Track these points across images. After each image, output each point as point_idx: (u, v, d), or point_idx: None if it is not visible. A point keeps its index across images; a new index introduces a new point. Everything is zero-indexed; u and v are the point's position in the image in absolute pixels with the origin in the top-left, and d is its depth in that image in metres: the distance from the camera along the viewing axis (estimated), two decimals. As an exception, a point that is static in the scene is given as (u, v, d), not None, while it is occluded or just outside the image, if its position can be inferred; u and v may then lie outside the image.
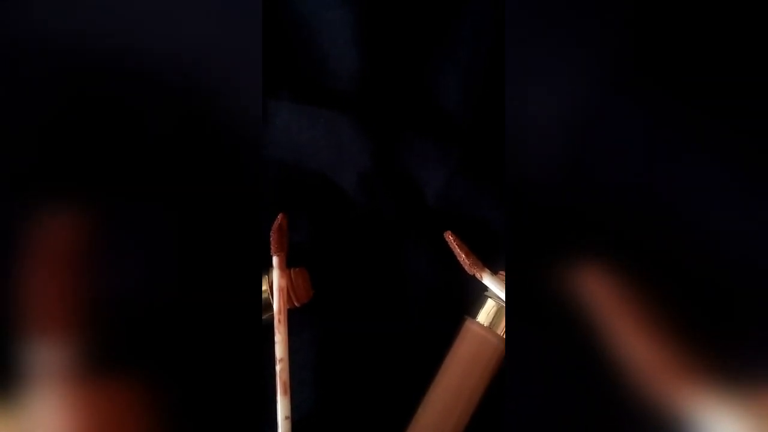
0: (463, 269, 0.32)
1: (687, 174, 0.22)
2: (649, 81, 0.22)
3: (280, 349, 0.31)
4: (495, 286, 0.32)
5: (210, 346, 0.22)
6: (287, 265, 0.32)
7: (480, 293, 0.33)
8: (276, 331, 0.31)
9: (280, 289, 0.31)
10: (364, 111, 0.35)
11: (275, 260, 0.31)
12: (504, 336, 0.32)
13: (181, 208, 0.22)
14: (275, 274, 0.31)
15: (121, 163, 0.21)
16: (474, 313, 0.32)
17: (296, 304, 0.32)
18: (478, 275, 0.32)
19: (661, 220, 0.22)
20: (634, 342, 0.22)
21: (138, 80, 0.21)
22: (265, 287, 0.32)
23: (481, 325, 0.32)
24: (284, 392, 0.30)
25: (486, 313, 0.32)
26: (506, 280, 0.31)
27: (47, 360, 0.20)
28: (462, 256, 0.32)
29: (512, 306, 0.24)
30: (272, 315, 0.31)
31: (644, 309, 0.22)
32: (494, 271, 0.32)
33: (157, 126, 0.22)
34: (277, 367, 0.30)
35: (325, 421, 0.33)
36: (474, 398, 0.32)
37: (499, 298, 0.32)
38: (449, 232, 0.33)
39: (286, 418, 0.30)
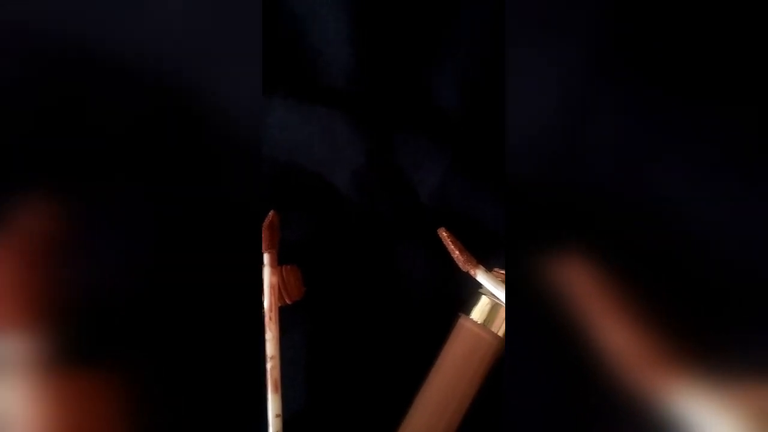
0: (458, 266, 0.32)
1: (669, 165, 0.22)
2: (634, 74, 0.22)
3: (270, 347, 0.30)
4: (489, 283, 0.31)
5: (203, 343, 0.22)
6: (279, 262, 0.32)
7: (474, 290, 0.32)
8: (267, 328, 0.31)
9: (271, 287, 0.31)
10: (358, 109, 0.35)
11: (266, 257, 0.31)
12: (498, 333, 0.31)
13: (174, 204, 0.22)
14: (266, 271, 0.31)
15: (101, 155, 0.21)
16: (468, 310, 0.32)
17: (288, 301, 0.32)
18: (471, 272, 0.31)
19: (643, 212, 0.21)
20: (615, 333, 0.21)
21: (128, 73, 0.21)
22: (256, 284, 0.31)
23: (475, 323, 0.31)
24: (275, 390, 0.30)
25: (480, 310, 0.32)
26: (506, 276, 0.30)
27: (17, 351, 0.20)
28: (456, 253, 0.32)
29: (511, 301, 0.23)
30: (263, 312, 0.31)
31: (626, 300, 0.22)
32: (488, 268, 0.32)
33: (155, 123, 0.21)
34: (268, 365, 0.30)
35: (317, 419, 0.33)
36: (468, 395, 0.31)
37: (494, 295, 0.31)
38: (443, 228, 0.32)
39: (277, 415, 0.30)
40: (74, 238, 0.20)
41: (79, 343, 0.20)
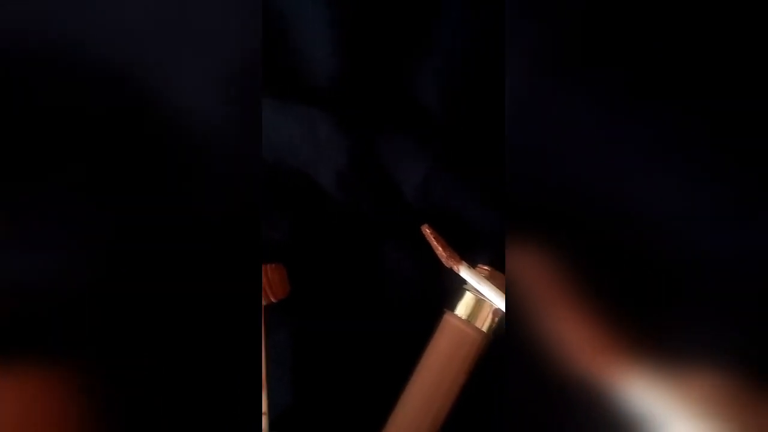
0: (442, 263, 0.32)
1: (623, 161, 0.22)
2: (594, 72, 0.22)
3: (256, 345, 0.31)
4: (472, 278, 0.32)
5: (201, 344, 0.21)
6: (264, 261, 0.32)
7: (459, 287, 0.33)
8: (252, 327, 0.31)
9: (256, 285, 0.31)
10: (341, 108, 0.35)
11: (251, 256, 0.31)
12: (483, 329, 0.32)
13: (162, 205, 0.22)
14: (251, 270, 0.31)
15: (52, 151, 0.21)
16: (453, 306, 0.32)
17: (273, 300, 0.32)
18: (455, 268, 0.32)
19: (598, 204, 0.22)
20: (569, 322, 0.22)
21: (105, 71, 0.21)
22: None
23: (460, 318, 0.32)
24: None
25: (464, 306, 0.32)
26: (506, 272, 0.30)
27: None
28: (439, 249, 0.32)
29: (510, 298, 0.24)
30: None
31: (579, 291, 0.22)
32: (472, 264, 0.32)
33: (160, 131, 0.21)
34: (254, 363, 0.30)
35: (303, 416, 0.33)
36: (453, 391, 0.31)
37: (478, 291, 0.32)
38: (426, 225, 0.32)
39: (263, 413, 0.30)
40: (8, 232, 0.20)
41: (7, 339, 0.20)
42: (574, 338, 0.22)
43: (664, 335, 0.21)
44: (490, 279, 0.32)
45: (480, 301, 0.32)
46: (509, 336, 0.23)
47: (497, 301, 0.31)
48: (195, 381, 0.21)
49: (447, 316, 0.32)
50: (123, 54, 0.21)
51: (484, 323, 0.32)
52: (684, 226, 0.21)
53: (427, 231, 0.32)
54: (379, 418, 0.32)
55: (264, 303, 0.31)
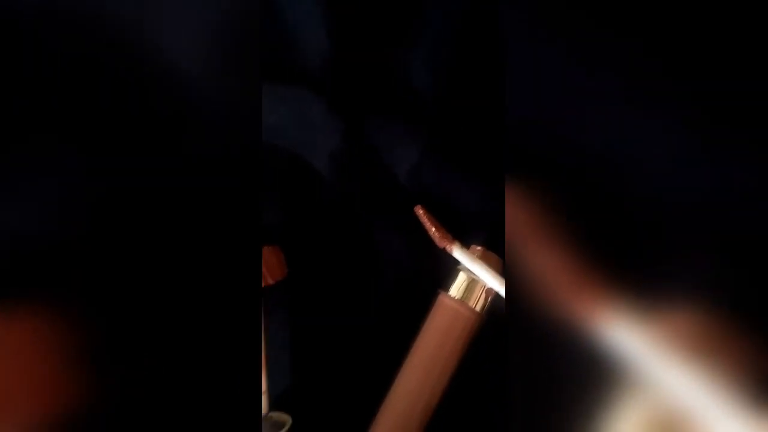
0: (435, 244, 0.33)
1: (605, 112, 0.23)
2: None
3: (254, 327, 0.31)
4: (465, 258, 0.32)
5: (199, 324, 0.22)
6: (260, 243, 0.32)
7: (453, 267, 0.33)
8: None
9: (253, 268, 0.32)
10: (334, 91, 0.35)
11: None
12: (476, 308, 0.32)
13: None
14: (248, 253, 0.32)
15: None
16: (447, 287, 0.33)
17: (270, 281, 0.32)
18: (447, 248, 0.32)
19: (581, 150, 0.23)
20: (550, 262, 0.22)
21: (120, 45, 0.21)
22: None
23: (453, 298, 0.32)
24: (259, 368, 0.31)
25: (458, 286, 0.32)
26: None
27: None
28: (432, 230, 0.32)
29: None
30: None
31: (561, 231, 0.23)
32: (466, 245, 0.33)
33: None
34: (252, 344, 0.31)
35: (301, 396, 0.33)
36: (447, 370, 0.32)
37: (471, 272, 0.32)
38: (419, 206, 0.33)
39: (264, 392, 0.31)
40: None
41: None
42: (559, 280, 0.22)
43: (644, 275, 0.22)
44: (483, 259, 0.32)
45: (473, 281, 0.32)
46: (508, 289, 0.23)
47: (490, 280, 0.32)
48: (195, 366, 0.22)
49: (441, 297, 0.33)
50: (122, 13, 0.21)
51: (478, 303, 0.32)
52: (662, 167, 0.22)
53: (420, 212, 0.33)
54: (376, 397, 0.33)
55: (262, 285, 0.32)
